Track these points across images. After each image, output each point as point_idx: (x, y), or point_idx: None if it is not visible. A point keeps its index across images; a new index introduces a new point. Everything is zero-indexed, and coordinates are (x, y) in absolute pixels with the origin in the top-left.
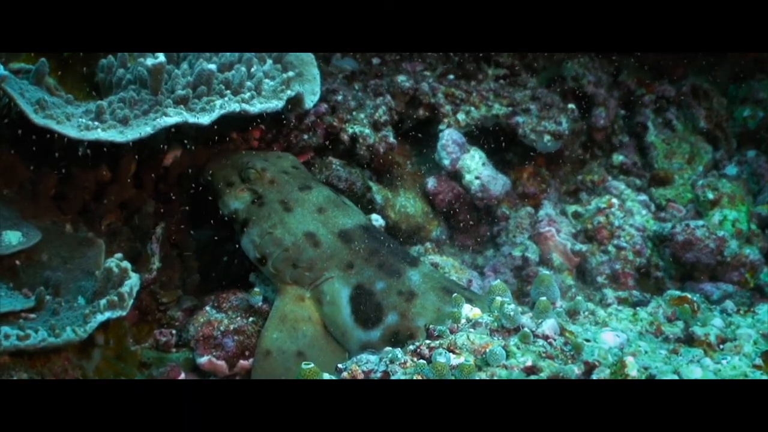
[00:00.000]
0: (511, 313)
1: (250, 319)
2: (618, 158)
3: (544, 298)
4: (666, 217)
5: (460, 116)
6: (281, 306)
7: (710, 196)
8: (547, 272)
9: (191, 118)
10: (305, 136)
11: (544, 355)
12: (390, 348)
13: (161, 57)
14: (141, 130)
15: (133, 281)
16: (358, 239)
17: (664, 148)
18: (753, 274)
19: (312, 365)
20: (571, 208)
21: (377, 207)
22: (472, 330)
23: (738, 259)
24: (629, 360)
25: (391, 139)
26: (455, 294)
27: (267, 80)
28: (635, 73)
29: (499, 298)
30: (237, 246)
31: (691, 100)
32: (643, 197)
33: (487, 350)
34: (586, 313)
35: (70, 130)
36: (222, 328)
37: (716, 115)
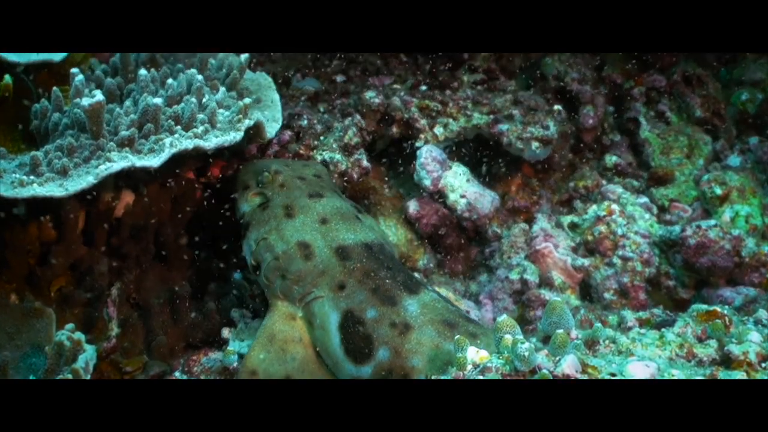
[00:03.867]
0: (526, 354)
1: None
2: (611, 159)
3: (561, 331)
4: (671, 219)
5: (438, 130)
6: (270, 324)
7: (718, 191)
8: (558, 299)
9: (139, 162)
10: None
11: None
12: None
13: (98, 95)
14: (83, 180)
15: (88, 354)
16: (356, 257)
17: (660, 143)
18: None
19: None
20: (567, 219)
21: None
22: (481, 377)
23: (757, 258)
24: None
25: (365, 163)
26: (458, 336)
27: (221, 110)
28: (620, 65)
29: (509, 336)
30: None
31: (683, 88)
32: (644, 199)
33: None
34: (607, 341)
35: (1, 188)
36: None
37: (713, 101)
